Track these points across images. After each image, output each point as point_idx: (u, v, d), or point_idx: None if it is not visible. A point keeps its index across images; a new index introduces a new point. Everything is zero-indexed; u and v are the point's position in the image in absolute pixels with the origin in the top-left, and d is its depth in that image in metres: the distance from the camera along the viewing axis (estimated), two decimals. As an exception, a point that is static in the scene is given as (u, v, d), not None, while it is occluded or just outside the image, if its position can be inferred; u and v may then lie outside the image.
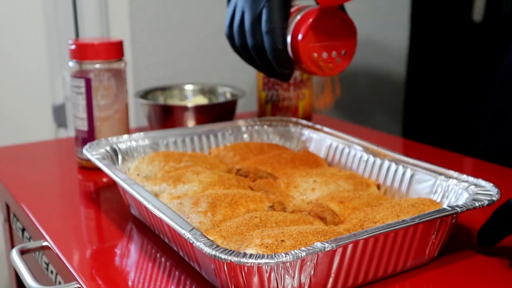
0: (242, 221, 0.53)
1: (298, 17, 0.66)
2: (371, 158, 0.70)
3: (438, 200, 0.61)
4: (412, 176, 0.65)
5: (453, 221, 0.54)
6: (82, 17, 1.39)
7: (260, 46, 0.67)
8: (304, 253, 0.43)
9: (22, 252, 0.60)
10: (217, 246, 0.44)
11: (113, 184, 0.77)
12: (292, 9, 0.68)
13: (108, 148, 0.71)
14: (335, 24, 0.66)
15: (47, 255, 0.66)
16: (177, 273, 0.54)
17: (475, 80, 1.65)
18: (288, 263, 0.44)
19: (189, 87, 1.06)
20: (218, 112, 0.94)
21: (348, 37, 0.67)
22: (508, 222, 0.54)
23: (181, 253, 0.56)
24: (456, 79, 1.69)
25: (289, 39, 0.66)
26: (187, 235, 0.46)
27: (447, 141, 1.22)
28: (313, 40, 0.65)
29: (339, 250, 0.47)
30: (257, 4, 0.67)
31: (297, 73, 0.99)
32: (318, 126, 0.81)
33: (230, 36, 0.72)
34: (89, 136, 0.81)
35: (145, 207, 0.54)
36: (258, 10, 0.66)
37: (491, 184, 0.57)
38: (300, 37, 0.64)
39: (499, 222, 0.55)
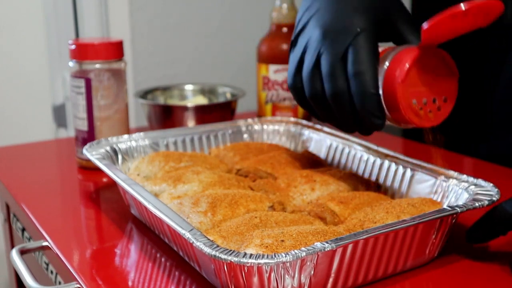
0: (242, 221, 0.53)
1: (391, 56, 0.55)
2: (371, 158, 0.70)
3: (438, 200, 0.61)
4: (412, 176, 0.65)
5: (453, 221, 0.54)
6: (82, 17, 1.39)
7: (343, 93, 0.55)
8: (304, 253, 0.43)
9: (22, 252, 0.60)
10: (217, 246, 0.44)
11: (113, 184, 0.76)
12: (380, 49, 0.57)
13: (108, 148, 0.71)
14: (436, 65, 0.55)
15: (47, 255, 0.66)
16: (177, 273, 0.54)
17: (475, 80, 1.65)
18: (288, 263, 0.44)
19: (189, 87, 1.06)
20: (218, 112, 0.94)
21: (449, 81, 0.56)
22: (501, 222, 0.54)
23: (181, 253, 0.56)
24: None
25: (380, 82, 0.55)
26: (187, 235, 0.46)
27: (447, 141, 1.22)
28: (414, 83, 0.54)
29: (339, 250, 0.47)
30: (340, 43, 0.56)
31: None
32: (318, 126, 0.81)
33: (296, 86, 0.60)
34: (89, 136, 0.81)
35: (145, 207, 0.54)
36: (342, 50, 0.55)
37: (491, 184, 0.57)
38: (399, 79, 0.53)
39: (492, 222, 0.55)
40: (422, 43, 0.53)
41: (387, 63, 0.55)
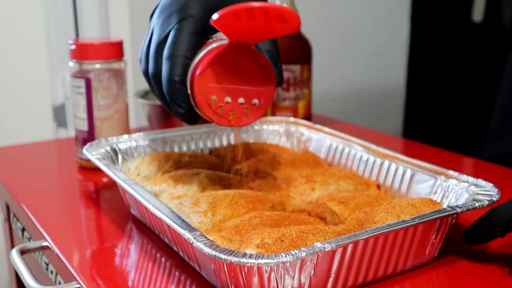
0: (242, 221, 0.53)
1: (207, 48, 0.54)
2: (371, 158, 0.70)
3: (438, 200, 0.61)
4: (412, 176, 0.65)
5: (453, 221, 0.54)
6: (82, 17, 1.39)
7: (157, 75, 0.56)
8: (304, 253, 0.43)
9: (22, 252, 0.60)
10: (217, 246, 0.44)
11: (113, 184, 0.76)
12: (209, 40, 0.56)
13: (108, 148, 0.71)
14: (248, 66, 0.53)
15: (47, 255, 0.66)
16: (177, 273, 0.54)
17: (475, 80, 1.65)
18: (288, 263, 0.44)
19: (189, 87, 1.06)
20: (218, 112, 0.94)
21: (263, 84, 0.54)
22: (499, 224, 0.54)
23: (181, 253, 0.56)
24: (455, 79, 1.70)
25: (190, 72, 0.54)
26: (187, 235, 0.46)
27: (447, 141, 1.22)
28: (215, 79, 0.52)
29: (339, 250, 0.47)
30: (166, 25, 0.56)
31: (296, 72, 0.99)
32: (318, 126, 0.81)
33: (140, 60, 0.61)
34: (89, 136, 0.81)
35: (145, 207, 0.54)
36: (165, 32, 0.56)
37: (491, 184, 0.57)
38: (197, 72, 0.52)
39: (490, 224, 0.55)
40: (230, 41, 0.52)
41: (207, 49, 0.54)
